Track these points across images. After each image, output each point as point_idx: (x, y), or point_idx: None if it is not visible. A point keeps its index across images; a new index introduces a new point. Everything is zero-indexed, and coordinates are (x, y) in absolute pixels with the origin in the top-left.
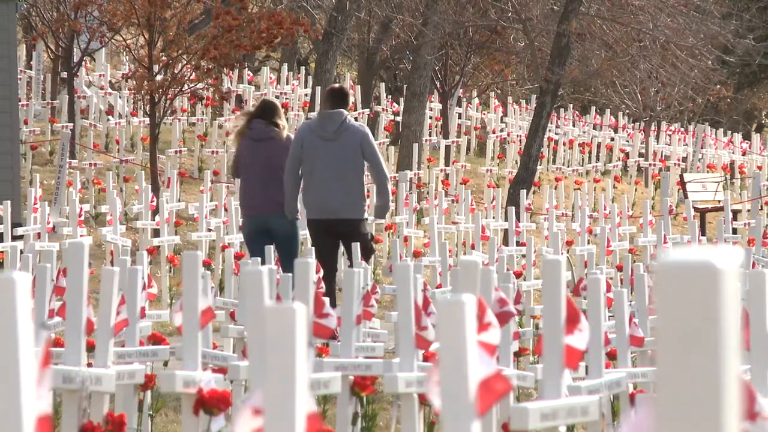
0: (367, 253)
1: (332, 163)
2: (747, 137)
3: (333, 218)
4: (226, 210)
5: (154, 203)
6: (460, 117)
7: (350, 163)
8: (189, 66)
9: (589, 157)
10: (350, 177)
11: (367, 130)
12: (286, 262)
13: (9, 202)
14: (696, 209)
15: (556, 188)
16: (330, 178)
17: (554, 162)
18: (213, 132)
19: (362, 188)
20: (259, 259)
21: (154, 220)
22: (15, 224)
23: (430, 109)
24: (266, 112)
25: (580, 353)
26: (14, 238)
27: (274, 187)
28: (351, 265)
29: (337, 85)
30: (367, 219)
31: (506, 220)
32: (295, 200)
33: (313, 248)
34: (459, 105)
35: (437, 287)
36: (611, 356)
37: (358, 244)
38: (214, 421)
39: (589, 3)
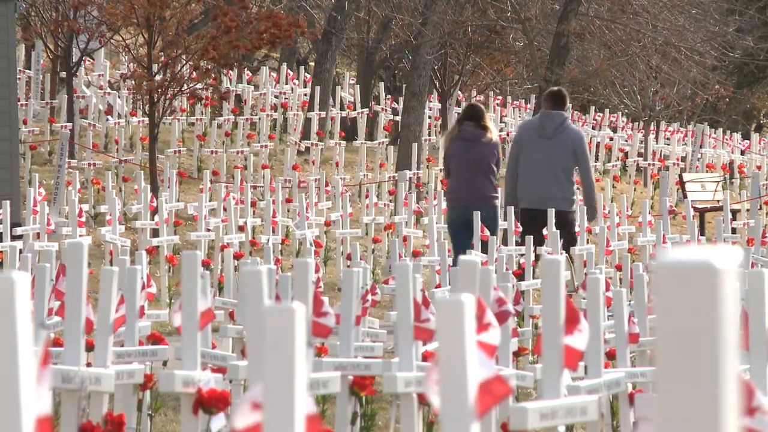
0: (570, 243)
1: (546, 159)
2: (746, 137)
3: (543, 209)
4: (225, 210)
5: (154, 203)
6: None
7: (562, 161)
8: (191, 67)
9: None
10: (561, 173)
11: (583, 135)
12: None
13: (8, 201)
14: (695, 209)
15: None
16: (543, 171)
17: None
18: (212, 132)
19: (572, 185)
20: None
21: (153, 220)
22: (14, 224)
23: (430, 109)
24: (475, 115)
25: (580, 354)
26: (13, 237)
27: (479, 183)
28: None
29: (555, 87)
30: (575, 212)
31: (505, 219)
32: (514, 193)
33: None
34: (458, 105)
35: (436, 287)
36: (610, 356)
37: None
38: (214, 421)
39: (589, 3)
